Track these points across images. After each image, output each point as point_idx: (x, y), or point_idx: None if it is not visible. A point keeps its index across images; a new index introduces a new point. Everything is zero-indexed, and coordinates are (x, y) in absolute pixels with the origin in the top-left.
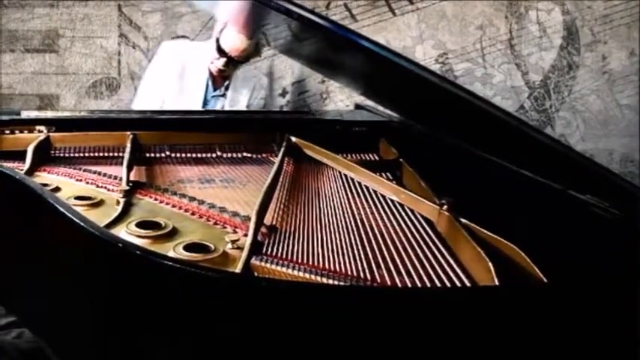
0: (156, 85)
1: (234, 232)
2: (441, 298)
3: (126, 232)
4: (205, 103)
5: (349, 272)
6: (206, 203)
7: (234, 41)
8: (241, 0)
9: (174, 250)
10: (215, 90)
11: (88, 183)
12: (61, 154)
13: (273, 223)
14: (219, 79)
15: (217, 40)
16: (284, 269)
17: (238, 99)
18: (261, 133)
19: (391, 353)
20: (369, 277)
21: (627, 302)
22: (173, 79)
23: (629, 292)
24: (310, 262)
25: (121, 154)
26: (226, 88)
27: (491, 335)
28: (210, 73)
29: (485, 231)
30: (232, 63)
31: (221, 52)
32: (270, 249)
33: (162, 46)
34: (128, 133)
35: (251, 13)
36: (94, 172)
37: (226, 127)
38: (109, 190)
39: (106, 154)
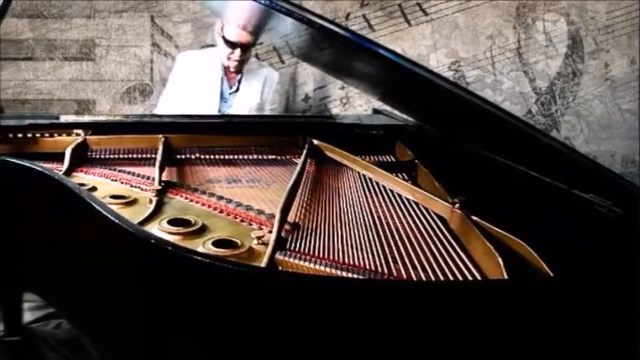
0: (176, 92)
1: (260, 228)
2: (453, 291)
3: (158, 229)
4: (225, 100)
5: (367, 266)
6: (233, 202)
7: (239, 30)
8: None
9: (203, 246)
10: (231, 87)
11: (122, 183)
12: (97, 156)
13: (296, 220)
14: (233, 75)
15: (223, 38)
16: (306, 264)
17: (250, 93)
18: (286, 136)
19: (406, 342)
20: (386, 271)
21: (627, 295)
22: (190, 85)
23: (629, 285)
24: (331, 257)
25: (153, 156)
26: (239, 82)
27: (500, 325)
28: (225, 72)
29: (495, 228)
30: (244, 49)
31: (231, 44)
32: (293, 245)
33: (178, 57)
34: (160, 136)
35: (255, 14)
36: (128, 173)
37: (253, 131)
38: (142, 189)
39: (139, 156)
